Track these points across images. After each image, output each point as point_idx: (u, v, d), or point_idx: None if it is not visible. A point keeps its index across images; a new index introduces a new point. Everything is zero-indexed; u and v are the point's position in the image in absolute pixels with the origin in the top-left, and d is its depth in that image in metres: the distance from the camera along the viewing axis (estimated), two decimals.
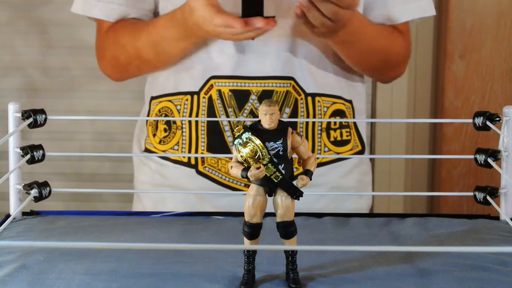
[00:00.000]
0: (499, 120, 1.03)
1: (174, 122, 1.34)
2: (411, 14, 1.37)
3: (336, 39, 1.28)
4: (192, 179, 1.34)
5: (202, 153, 1.32)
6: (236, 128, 0.84)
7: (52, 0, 2.37)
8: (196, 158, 1.33)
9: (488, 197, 1.05)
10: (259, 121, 0.84)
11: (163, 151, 1.36)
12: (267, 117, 0.83)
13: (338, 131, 1.36)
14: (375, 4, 1.35)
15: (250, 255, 0.85)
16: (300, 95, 1.31)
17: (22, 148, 1.04)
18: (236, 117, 1.29)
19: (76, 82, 2.44)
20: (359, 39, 1.30)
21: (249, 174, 0.82)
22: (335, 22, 1.19)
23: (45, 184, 1.06)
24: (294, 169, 0.87)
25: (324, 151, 1.34)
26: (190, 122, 1.32)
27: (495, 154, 1.04)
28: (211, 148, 1.32)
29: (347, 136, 1.37)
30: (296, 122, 1.31)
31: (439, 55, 2.37)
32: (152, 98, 1.39)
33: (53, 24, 2.40)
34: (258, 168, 0.82)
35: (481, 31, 2.28)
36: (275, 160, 0.83)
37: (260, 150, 0.82)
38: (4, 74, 2.45)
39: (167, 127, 1.35)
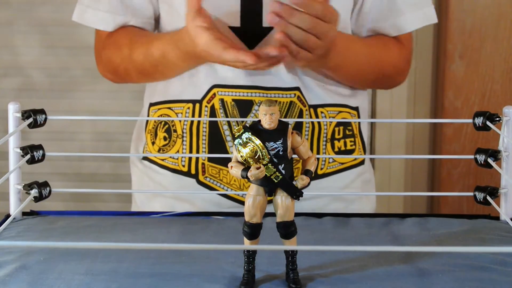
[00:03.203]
0: (499, 120, 1.03)
1: (175, 131, 1.32)
2: (418, 23, 1.34)
3: (329, 64, 1.26)
4: (192, 189, 1.31)
5: (203, 162, 1.30)
6: (236, 128, 0.84)
7: (52, 0, 2.37)
8: (196, 168, 1.32)
9: (488, 197, 1.05)
10: (259, 121, 0.84)
11: (162, 160, 1.35)
12: (267, 117, 0.83)
13: (342, 141, 1.34)
14: (381, 15, 1.33)
15: (250, 255, 0.85)
16: (305, 106, 1.29)
17: (22, 148, 1.04)
18: (238, 125, 1.27)
19: (76, 82, 2.44)
20: (350, 59, 1.29)
21: (249, 174, 0.82)
22: (319, 37, 1.16)
23: (45, 184, 1.06)
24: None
25: (329, 162, 1.33)
26: (191, 131, 1.30)
27: (495, 154, 1.04)
28: (212, 158, 1.30)
29: (351, 145, 1.36)
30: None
31: (439, 55, 2.37)
32: (151, 104, 1.37)
33: (53, 24, 2.40)
34: (258, 168, 0.82)
35: (481, 31, 2.28)
36: (275, 160, 0.83)
37: (260, 150, 0.82)
38: (4, 74, 2.45)
39: (167, 135, 1.33)
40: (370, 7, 1.32)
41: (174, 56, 1.26)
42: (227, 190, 1.30)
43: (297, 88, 1.28)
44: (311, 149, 1.29)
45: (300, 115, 1.29)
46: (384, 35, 1.35)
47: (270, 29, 1.25)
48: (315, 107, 1.30)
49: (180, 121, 1.31)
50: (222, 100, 1.28)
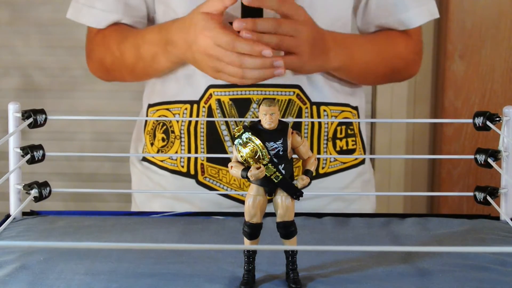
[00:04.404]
0: (499, 120, 1.03)
1: (173, 131, 1.32)
2: (423, 18, 1.36)
3: (332, 65, 1.27)
4: (192, 190, 1.31)
5: (202, 162, 1.31)
6: (236, 128, 0.84)
7: (52, 0, 2.37)
8: (195, 168, 1.32)
9: (488, 197, 1.05)
10: (259, 121, 0.84)
11: (161, 161, 1.35)
12: (267, 117, 0.83)
13: (344, 140, 1.34)
14: (387, 11, 1.33)
15: (250, 255, 0.85)
16: (305, 104, 1.30)
17: (22, 148, 1.04)
18: (237, 125, 1.27)
19: (76, 82, 2.44)
20: (355, 58, 1.29)
21: (249, 174, 0.82)
22: (292, 35, 1.17)
23: (45, 184, 1.06)
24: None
25: (330, 161, 1.33)
26: (189, 131, 1.31)
27: (495, 154, 1.03)
28: (211, 158, 1.30)
29: (353, 145, 1.35)
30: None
31: (439, 55, 2.37)
32: (150, 105, 1.37)
33: (53, 24, 2.40)
34: (258, 168, 0.82)
35: (481, 31, 2.28)
36: (275, 160, 0.83)
37: (260, 150, 0.82)
38: (4, 74, 2.45)
39: (165, 136, 1.33)
40: (376, 3, 1.33)
41: (152, 51, 1.27)
42: (227, 190, 1.30)
43: (297, 86, 1.28)
44: (311, 148, 1.29)
45: (299, 113, 1.29)
46: (391, 30, 1.36)
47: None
48: (318, 104, 1.30)
49: (177, 122, 1.31)
50: (219, 101, 1.28)
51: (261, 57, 1.15)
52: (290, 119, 1.27)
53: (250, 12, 1.23)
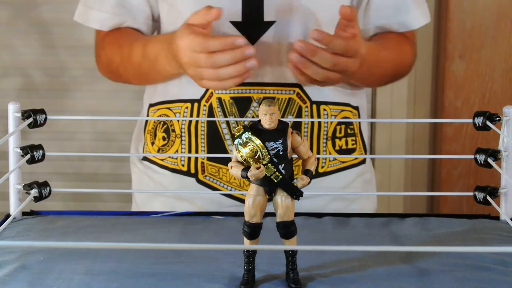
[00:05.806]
0: (499, 120, 1.03)
1: (173, 130, 1.32)
2: (423, 20, 1.37)
3: (355, 79, 1.27)
4: (192, 188, 1.32)
5: (202, 162, 1.31)
6: (236, 128, 0.84)
7: (52, 0, 2.37)
8: (196, 167, 1.32)
9: (488, 197, 1.05)
10: (259, 121, 0.84)
11: (162, 159, 1.35)
12: (267, 117, 0.83)
13: (343, 139, 1.34)
14: (388, 12, 1.34)
15: (250, 255, 0.85)
16: (305, 102, 1.30)
17: (22, 148, 1.04)
18: (237, 125, 1.27)
19: (76, 82, 2.44)
20: (375, 69, 1.30)
21: (249, 174, 0.82)
22: (340, 72, 1.17)
23: (45, 184, 1.06)
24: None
25: (330, 161, 1.33)
26: (189, 130, 1.31)
27: (495, 154, 1.04)
28: (211, 157, 1.30)
29: (352, 144, 1.35)
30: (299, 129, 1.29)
31: (439, 55, 2.37)
32: (151, 105, 1.37)
33: (53, 24, 2.40)
34: (258, 168, 0.82)
35: (481, 31, 2.28)
36: (275, 160, 0.83)
37: (260, 150, 0.82)
38: (4, 74, 2.45)
39: (165, 135, 1.33)
40: (377, 4, 1.33)
41: (164, 59, 1.26)
42: (227, 189, 1.30)
43: (298, 85, 1.28)
44: (311, 147, 1.29)
45: (299, 112, 1.29)
46: (392, 32, 1.36)
47: (271, 23, 1.25)
48: (318, 103, 1.30)
49: (178, 120, 1.31)
50: (219, 99, 1.28)
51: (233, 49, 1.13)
52: (290, 118, 1.27)
53: (251, 13, 1.23)
